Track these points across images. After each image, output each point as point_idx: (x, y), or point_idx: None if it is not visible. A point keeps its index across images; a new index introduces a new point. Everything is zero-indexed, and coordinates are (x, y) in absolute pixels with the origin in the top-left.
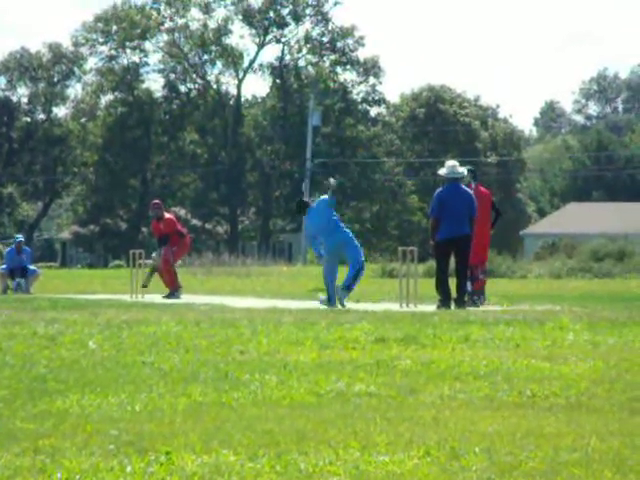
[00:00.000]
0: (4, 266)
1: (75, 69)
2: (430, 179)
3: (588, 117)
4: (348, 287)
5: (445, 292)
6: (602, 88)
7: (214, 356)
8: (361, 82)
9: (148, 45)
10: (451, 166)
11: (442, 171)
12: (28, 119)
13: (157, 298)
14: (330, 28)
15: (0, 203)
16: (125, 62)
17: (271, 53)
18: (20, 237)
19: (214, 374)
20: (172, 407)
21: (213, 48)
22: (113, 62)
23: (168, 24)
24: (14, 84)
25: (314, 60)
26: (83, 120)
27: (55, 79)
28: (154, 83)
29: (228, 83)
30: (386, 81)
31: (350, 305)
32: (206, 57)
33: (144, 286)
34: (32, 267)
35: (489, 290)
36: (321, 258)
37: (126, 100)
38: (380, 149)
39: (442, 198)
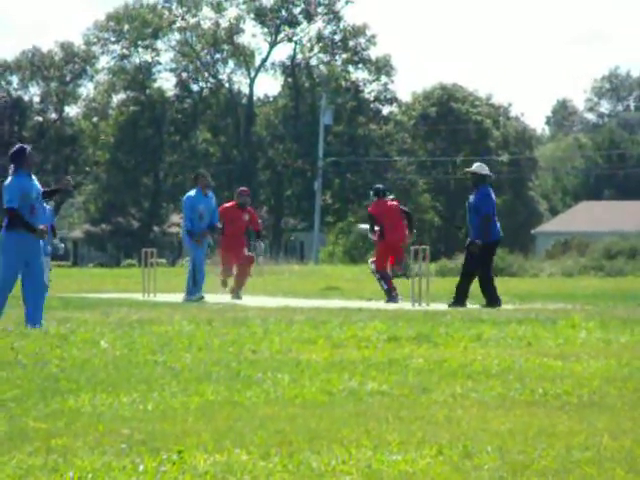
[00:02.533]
0: None
1: (87, 68)
2: (442, 178)
3: (600, 115)
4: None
5: (494, 293)
6: (614, 86)
7: (226, 355)
8: (373, 81)
9: (160, 44)
10: (479, 165)
11: (485, 170)
12: (40, 118)
13: (169, 297)
14: (342, 27)
15: None
16: (137, 61)
17: (283, 52)
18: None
19: (226, 373)
20: (184, 406)
21: (225, 47)
22: (125, 61)
23: (180, 23)
24: (26, 83)
25: (326, 59)
26: (95, 119)
27: (67, 78)
28: (166, 82)
29: (240, 82)
30: (398, 80)
31: (362, 304)
32: (218, 56)
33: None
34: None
35: (500, 289)
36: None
37: (138, 99)
38: (392, 148)
39: (493, 198)
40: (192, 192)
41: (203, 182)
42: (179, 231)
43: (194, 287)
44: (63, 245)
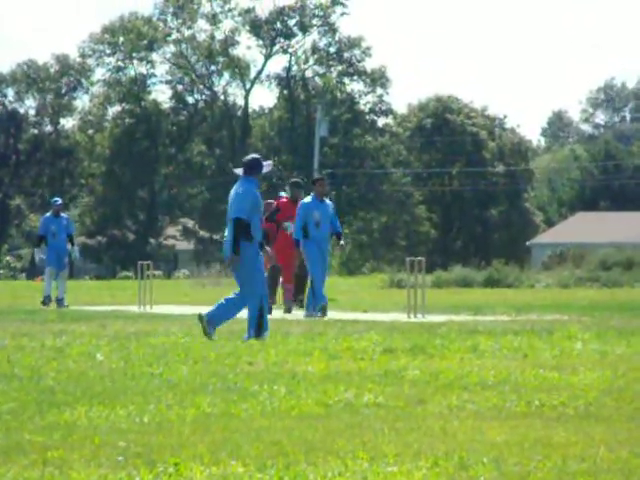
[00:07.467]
0: (47, 260)
1: (82, 80)
2: (438, 189)
3: (596, 126)
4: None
5: None
6: (610, 97)
7: (222, 367)
8: (368, 92)
9: (155, 56)
10: None
11: None
12: (35, 131)
13: (165, 309)
14: (337, 39)
15: (8, 215)
16: (132, 73)
17: (278, 64)
18: (59, 200)
19: (222, 385)
20: (180, 418)
21: (220, 59)
22: (120, 73)
23: (175, 35)
24: (21, 96)
25: (321, 71)
26: (90, 132)
27: (62, 90)
28: (161, 94)
29: (235, 94)
30: (393, 91)
31: (358, 316)
32: (213, 68)
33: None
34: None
35: (497, 300)
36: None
37: (133, 111)
38: (388, 159)
39: None
40: (308, 198)
41: (320, 188)
42: (174, 243)
43: (313, 299)
44: (77, 255)
